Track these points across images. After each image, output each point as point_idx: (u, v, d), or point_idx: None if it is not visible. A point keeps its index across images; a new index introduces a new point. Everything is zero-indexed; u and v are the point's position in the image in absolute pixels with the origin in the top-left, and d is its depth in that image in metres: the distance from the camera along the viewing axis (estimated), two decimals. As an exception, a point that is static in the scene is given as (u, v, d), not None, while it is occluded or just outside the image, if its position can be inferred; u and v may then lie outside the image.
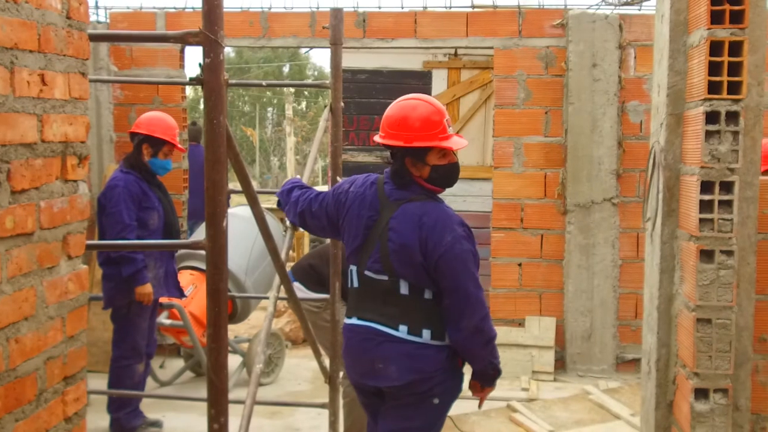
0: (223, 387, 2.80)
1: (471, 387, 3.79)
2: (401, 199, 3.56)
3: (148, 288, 5.64)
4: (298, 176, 4.34)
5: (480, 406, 3.96)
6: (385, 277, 3.55)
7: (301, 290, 5.29)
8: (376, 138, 3.63)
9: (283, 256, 4.11)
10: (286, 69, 42.45)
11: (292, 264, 7.05)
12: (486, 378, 3.70)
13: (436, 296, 3.53)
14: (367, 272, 3.61)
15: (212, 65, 2.69)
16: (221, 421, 2.80)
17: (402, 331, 3.53)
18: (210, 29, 2.66)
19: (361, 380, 3.71)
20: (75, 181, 2.32)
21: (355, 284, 3.69)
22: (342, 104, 4.88)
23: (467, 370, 3.69)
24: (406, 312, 3.54)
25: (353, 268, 3.69)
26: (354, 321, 3.68)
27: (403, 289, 3.53)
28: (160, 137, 5.72)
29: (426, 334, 3.53)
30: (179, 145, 5.86)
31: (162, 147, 5.77)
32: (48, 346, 2.19)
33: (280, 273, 4.03)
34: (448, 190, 3.75)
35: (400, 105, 3.61)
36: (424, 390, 3.56)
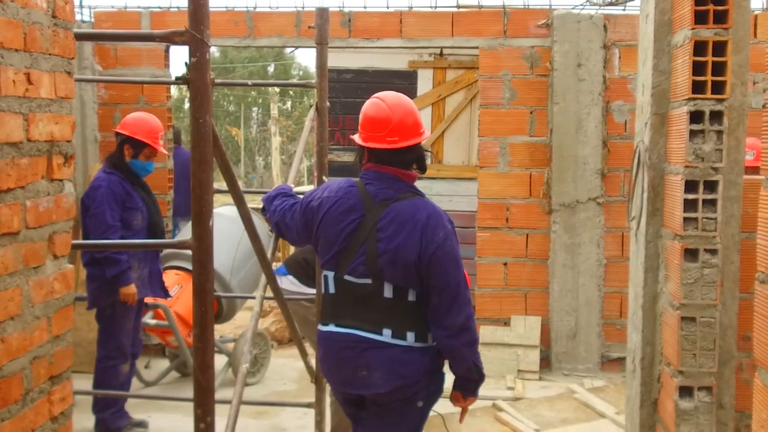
0: (209, 386, 2.80)
1: (453, 398, 3.73)
2: (389, 199, 3.53)
3: (132, 289, 5.63)
4: (288, 184, 4.30)
5: (462, 419, 3.91)
6: (369, 281, 3.48)
7: (294, 284, 5.30)
8: (402, 144, 3.55)
9: (268, 255, 4.11)
10: (271, 69, 42.37)
11: (277, 264, 7.05)
12: (469, 384, 3.64)
13: (420, 297, 3.50)
14: (347, 277, 3.52)
15: (198, 64, 2.69)
16: (207, 421, 2.80)
17: (386, 335, 3.46)
18: (196, 28, 2.66)
19: (342, 388, 3.66)
20: (61, 180, 2.31)
21: (331, 290, 3.60)
22: (328, 104, 4.89)
23: (448, 374, 3.68)
24: (389, 315, 3.48)
25: (329, 273, 3.60)
26: (331, 328, 3.60)
27: (387, 292, 3.47)
28: (141, 140, 5.70)
29: (410, 336, 3.48)
30: (161, 149, 5.82)
31: (143, 149, 5.75)
32: (34, 345, 2.18)
33: (267, 272, 4.03)
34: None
35: (391, 105, 3.58)
36: (409, 395, 3.52)
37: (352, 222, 3.53)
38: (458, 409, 3.80)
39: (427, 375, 3.54)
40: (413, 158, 3.64)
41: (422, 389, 3.54)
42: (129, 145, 5.73)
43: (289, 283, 5.31)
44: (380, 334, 3.47)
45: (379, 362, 3.47)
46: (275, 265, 5.19)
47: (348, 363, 3.53)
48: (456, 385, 3.67)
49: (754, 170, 5.08)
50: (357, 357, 3.49)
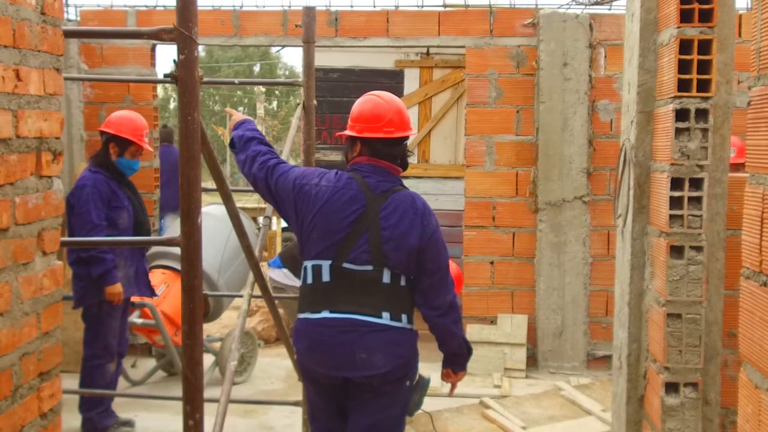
0: (198, 384, 2.80)
1: (444, 376, 4.02)
2: (388, 191, 3.75)
3: (118, 288, 5.61)
4: (249, 118, 4.29)
5: (452, 393, 4.21)
6: (370, 268, 3.66)
7: (288, 277, 5.33)
8: (396, 135, 3.79)
9: (256, 254, 4.11)
10: (256, 68, 42.31)
11: (263, 263, 7.04)
12: (459, 359, 3.94)
13: (408, 282, 3.74)
14: (346, 265, 3.66)
15: (186, 62, 2.70)
16: (196, 418, 2.81)
17: (385, 318, 3.66)
18: (184, 26, 2.66)
19: (332, 373, 3.72)
20: (49, 177, 2.31)
21: (325, 279, 3.70)
22: (315, 102, 4.89)
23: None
24: (388, 300, 3.68)
25: (324, 263, 3.70)
26: (325, 315, 3.68)
27: (386, 277, 3.68)
28: (127, 137, 5.68)
29: (404, 318, 3.71)
30: (146, 146, 5.79)
31: (129, 147, 5.73)
32: (23, 341, 2.18)
33: (255, 271, 4.03)
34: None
35: (387, 100, 3.82)
36: (401, 375, 3.73)
37: (354, 212, 3.69)
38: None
39: (414, 355, 3.80)
40: (401, 153, 3.86)
41: (411, 369, 3.78)
42: (114, 144, 5.72)
43: (283, 275, 5.36)
44: (380, 317, 3.66)
45: (378, 344, 3.65)
46: (263, 265, 5.21)
47: (346, 347, 3.66)
48: (447, 363, 3.98)
49: (736, 167, 5.12)
50: (357, 340, 3.64)
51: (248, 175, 3.97)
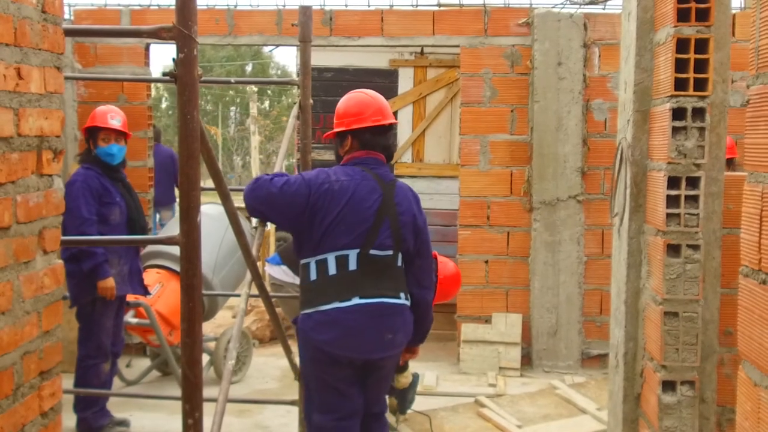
0: (197, 382, 2.80)
1: (408, 352, 4.35)
2: (393, 180, 4.03)
3: (110, 282, 5.60)
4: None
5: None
6: (390, 252, 3.90)
7: (287, 274, 5.36)
8: (384, 122, 4.03)
9: (253, 253, 4.11)
10: (249, 68, 42.25)
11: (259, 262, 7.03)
12: (424, 335, 4.27)
13: (406, 264, 4.04)
14: (372, 251, 3.87)
15: (186, 60, 2.69)
16: (196, 417, 2.81)
17: (402, 298, 3.94)
18: (183, 24, 2.66)
19: (358, 356, 3.90)
20: (50, 175, 2.31)
21: (352, 267, 3.85)
22: (311, 101, 4.90)
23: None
24: (400, 281, 3.96)
25: (352, 252, 3.85)
26: (357, 301, 3.84)
27: (399, 261, 3.95)
28: (92, 125, 5.73)
29: (409, 297, 4.03)
30: (113, 125, 5.73)
31: (98, 133, 5.75)
32: (24, 340, 2.18)
33: (252, 270, 4.03)
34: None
35: (370, 95, 4.08)
36: (400, 351, 4.07)
37: (375, 201, 3.90)
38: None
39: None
40: (390, 143, 4.12)
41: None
42: (90, 139, 5.76)
43: (282, 272, 5.38)
44: (399, 297, 3.93)
45: (400, 324, 3.94)
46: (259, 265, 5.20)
47: (377, 329, 3.88)
48: (416, 341, 4.26)
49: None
50: (386, 322, 3.89)
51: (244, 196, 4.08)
